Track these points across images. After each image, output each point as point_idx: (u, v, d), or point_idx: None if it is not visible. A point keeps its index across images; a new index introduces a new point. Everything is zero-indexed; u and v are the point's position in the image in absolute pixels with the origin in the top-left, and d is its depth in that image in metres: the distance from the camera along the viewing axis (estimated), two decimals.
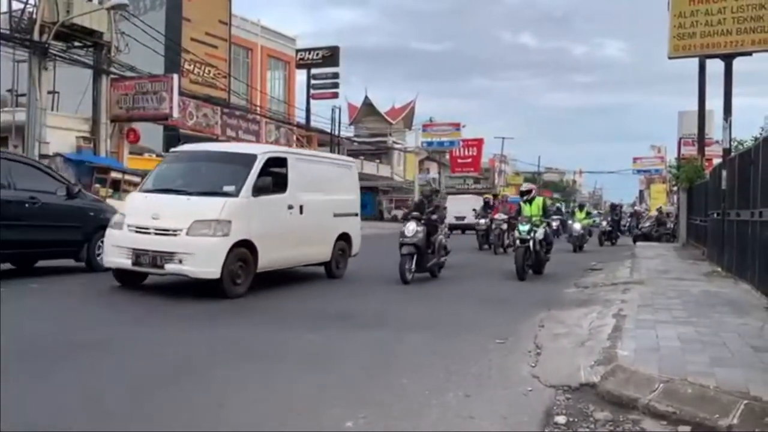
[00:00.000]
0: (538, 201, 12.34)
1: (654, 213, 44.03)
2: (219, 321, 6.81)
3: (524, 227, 11.51)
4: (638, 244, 22.46)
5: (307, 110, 36.64)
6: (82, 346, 5.36)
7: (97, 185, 19.04)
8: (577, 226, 19.80)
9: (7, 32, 18.18)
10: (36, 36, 18.08)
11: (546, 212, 12.44)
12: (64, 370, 4.71)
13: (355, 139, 47.08)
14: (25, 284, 8.76)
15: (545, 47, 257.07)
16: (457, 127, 53.82)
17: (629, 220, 30.33)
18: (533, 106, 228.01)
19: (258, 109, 32.03)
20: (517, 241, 11.59)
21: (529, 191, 12.46)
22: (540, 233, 11.74)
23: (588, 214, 22.05)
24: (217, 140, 28.30)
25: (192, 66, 28.48)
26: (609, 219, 24.62)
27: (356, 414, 3.80)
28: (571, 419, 3.86)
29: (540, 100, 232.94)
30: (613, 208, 28.82)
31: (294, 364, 5.09)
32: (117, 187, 19.69)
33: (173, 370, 4.76)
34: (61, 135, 19.47)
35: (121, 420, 3.70)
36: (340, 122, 38.28)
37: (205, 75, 29.10)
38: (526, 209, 12.20)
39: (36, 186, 9.37)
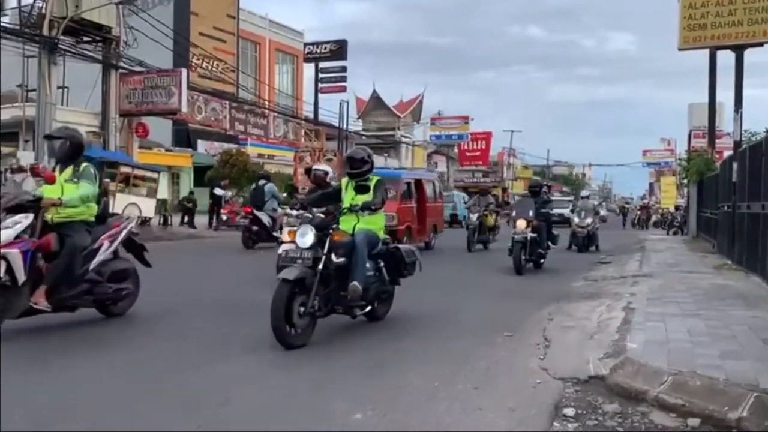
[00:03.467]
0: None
1: (667, 207, 43.66)
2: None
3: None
4: (644, 237, 21.73)
5: (315, 104, 36.61)
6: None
7: (107, 180, 19.14)
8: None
9: (17, 27, 18.27)
10: (45, 31, 18.16)
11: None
12: None
13: (364, 133, 47.05)
14: None
15: (553, 40, 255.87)
16: (465, 120, 53.79)
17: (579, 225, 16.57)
18: (542, 100, 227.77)
19: (266, 103, 32.06)
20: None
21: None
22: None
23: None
24: (225, 134, 28.44)
25: (200, 60, 28.54)
26: (531, 214, 11.62)
27: (364, 406, 3.80)
28: (579, 411, 3.86)
29: (549, 93, 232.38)
30: (535, 193, 12.69)
31: (300, 356, 5.10)
32: (127, 182, 19.78)
33: (178, 363, 4.80)
34: None
35: (124, 417, 3.72)
36: (348, 116, 38.30)
37: (214, 69, 29.17)
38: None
39: None
